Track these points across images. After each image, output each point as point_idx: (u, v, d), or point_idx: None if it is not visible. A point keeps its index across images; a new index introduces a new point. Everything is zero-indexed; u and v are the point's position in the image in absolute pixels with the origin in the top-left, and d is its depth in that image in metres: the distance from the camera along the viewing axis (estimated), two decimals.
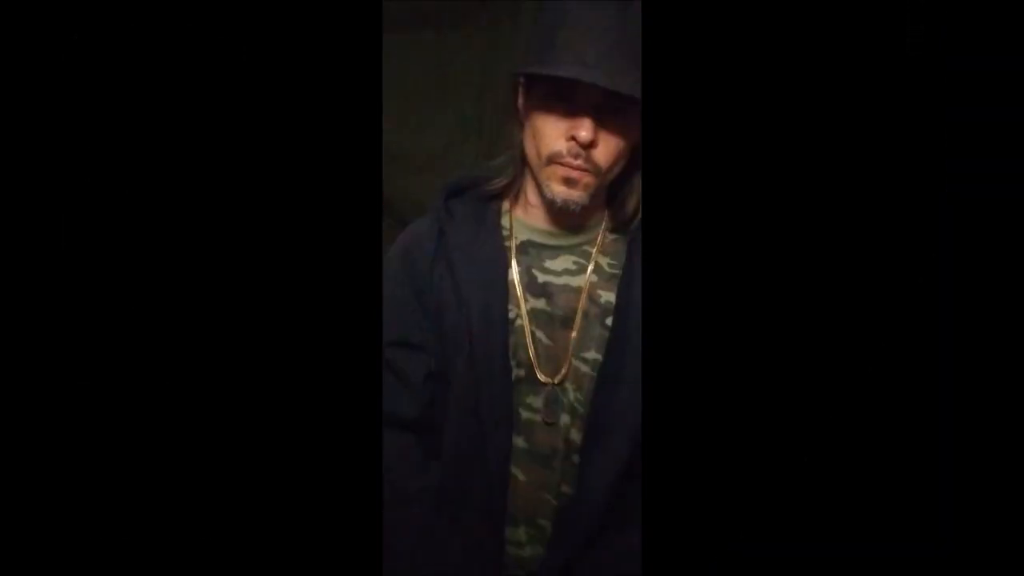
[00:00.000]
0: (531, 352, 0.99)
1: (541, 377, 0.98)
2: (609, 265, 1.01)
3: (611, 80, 0.88)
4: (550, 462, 0.98)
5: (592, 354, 0.98)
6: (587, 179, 0.95)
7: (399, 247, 1.06)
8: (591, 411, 0.97)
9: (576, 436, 0.98)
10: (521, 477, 0.99)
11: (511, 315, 0.99)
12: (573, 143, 0.93)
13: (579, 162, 0.94)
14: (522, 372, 0.98)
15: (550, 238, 1.02)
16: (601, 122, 0.93)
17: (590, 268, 1.01)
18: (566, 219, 1.01)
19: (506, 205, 1.05)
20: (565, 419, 0.98)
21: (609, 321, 0.98)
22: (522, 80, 0.98)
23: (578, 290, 1.00)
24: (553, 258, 1.01)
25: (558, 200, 0.96)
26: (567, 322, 0.99)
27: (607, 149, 0.94)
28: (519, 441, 0.98)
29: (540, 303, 0.99)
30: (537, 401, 0.98)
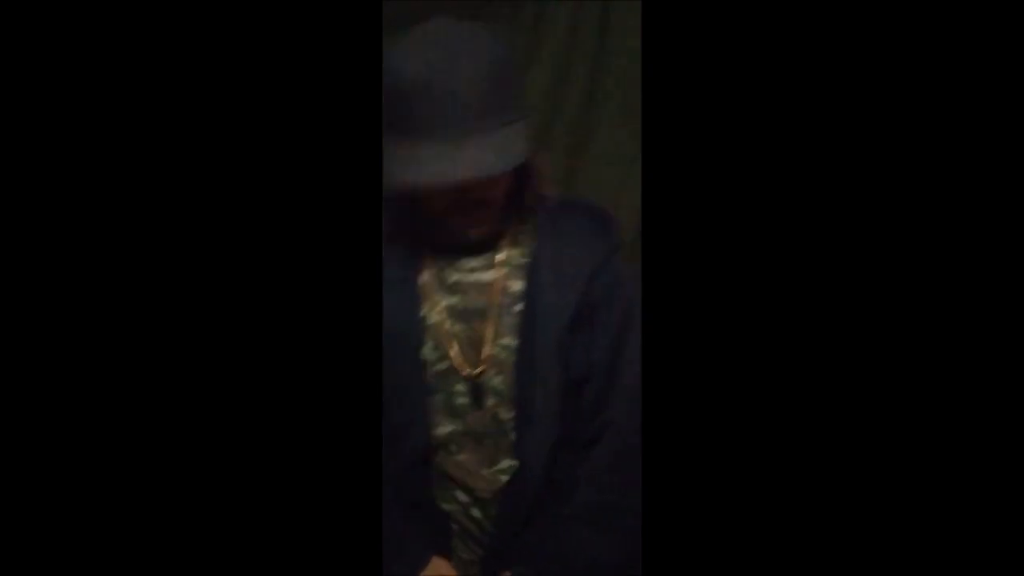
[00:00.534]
0: (452, 346, 1.02)
1: (464, 370, 1.02)
2: (521, 255, 1.04)
3: (475, 167, 0.89)
4: (483, 440, 1.03)
5: (507, 340, 1.02)
6: (485, 215, 0.98)
7: None
8: (516, 392, 1.02)
9: (506, 415, 1.02)
10: (460, 456, 1.04)
11: (422, 314, 1.02)
12: (458, 204, 0.95)
13: (471, 217, 0.97)
14: (445, 365, 1.03)
15: (456, 251, 1.04)
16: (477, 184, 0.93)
17: (498, 261, 1.04)
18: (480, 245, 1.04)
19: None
20: (492, 401, 1.03)
21: (519, 308, 1.02)
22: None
23: (489, 285, 1.03)
24: (460, 258, 1.04)
25: (468, 236, 1.00)
26: (482, 314, 1.03)
27: (494, 193, 0.96)
28: (457, 425, 1.03)
29: (455, 300, 1.03)
30: (463, 388, 1.03)
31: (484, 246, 1.03)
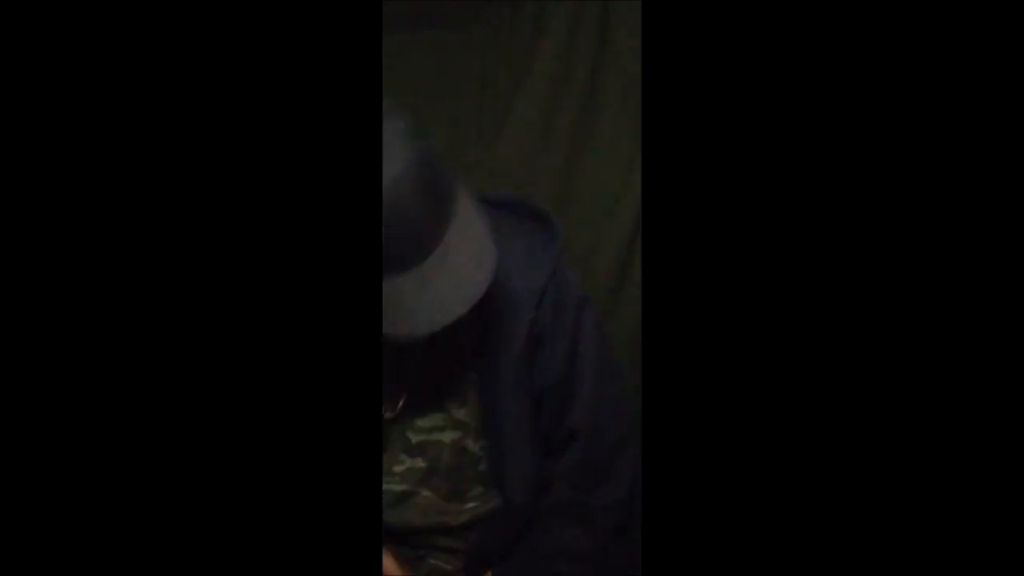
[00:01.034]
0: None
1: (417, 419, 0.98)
2: None
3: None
4: (452, 476, 1.00)
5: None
6: None
7: None
8: (483, 422, 0.99)
9: (473, 446, 1.00)
10: (426, 493, 1.01)
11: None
12: None
13: None
14: (400, 403, 0.99)
15: None
16: None
17: None
18: None
19: None
20: (454, 435, 0.99)
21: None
22: None
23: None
24: None
25: None
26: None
27: None
28: (419, 462, 1.00)
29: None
30: (424, 422, 0.99)
31: None
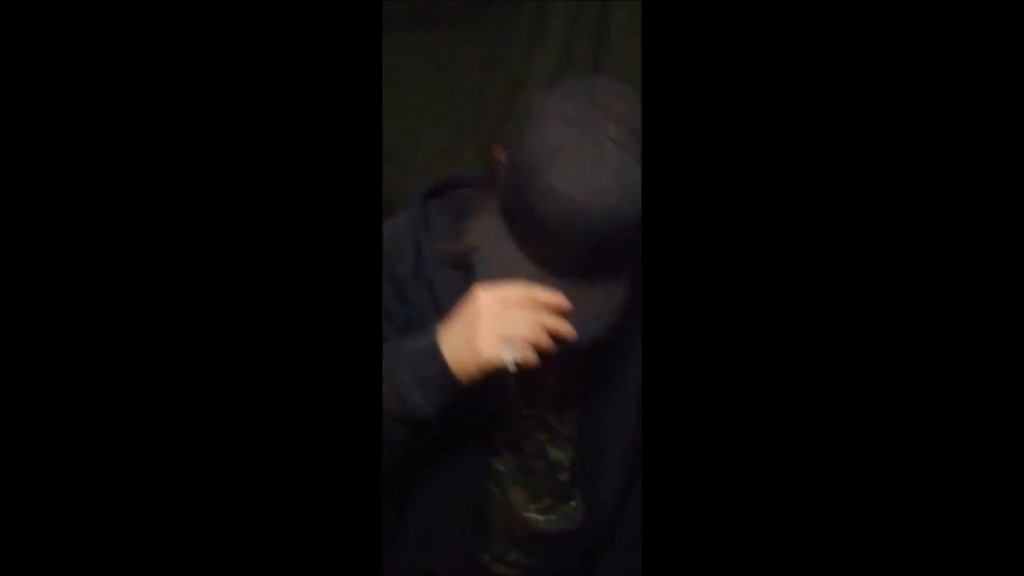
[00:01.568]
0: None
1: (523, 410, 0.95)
2: None
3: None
4: (535, 482, 0.97)
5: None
6: None
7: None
8: (577, 434, 0.95)
9: (559, 454, 0.96)
10: (501, 497, 0.97)
11: None
12: None
13: None
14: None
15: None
16: None
17: None
18: None
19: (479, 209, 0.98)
20: (543, 436, 0.96)
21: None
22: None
23: None
24: None
25: None
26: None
27: None
28: (512, 460, 0.97)
29: None
30: (520, 425, 0.96)
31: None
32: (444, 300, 0.90)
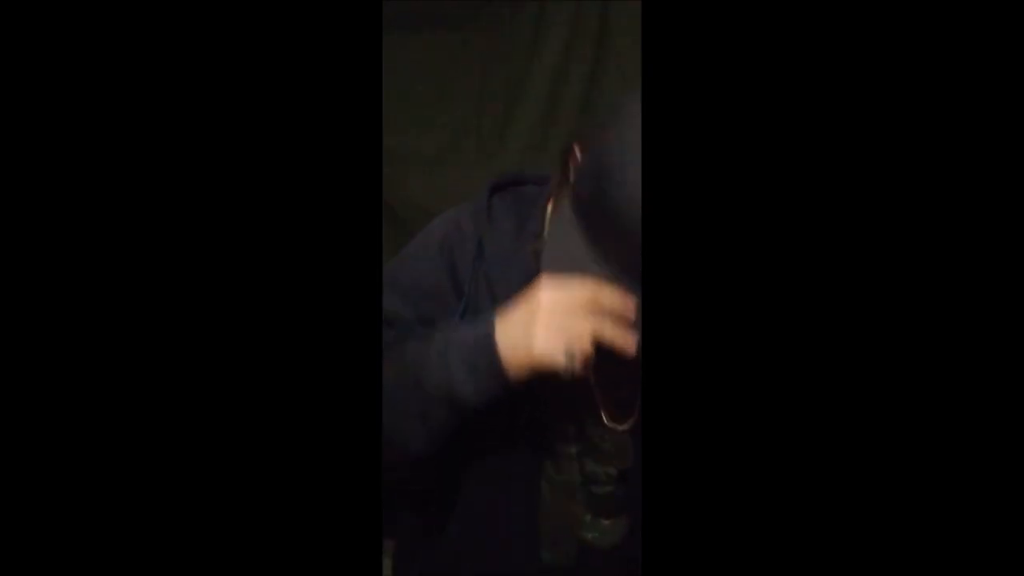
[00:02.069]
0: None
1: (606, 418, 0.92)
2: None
3: None
4: (574, 494, 0.93)
5: (626, 394, 0.93)
6: None
7: (436, 235, 0.97)
8: (623, 450, 0.92)
9: (598, 470, 0.93)
10: (552, 506, 0.94)
11: None
12: None
13: None
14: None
15: None
16: None
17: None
18: None
19: (550, 207, 0.95)
20: (572, 449, 0.93)
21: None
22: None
23: None
24: None
25: None
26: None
27: None
28: (547, 467, 0.94)
29: None
30: (572, 432, 0.93)
31: None
32: (501, 294, 0.89)
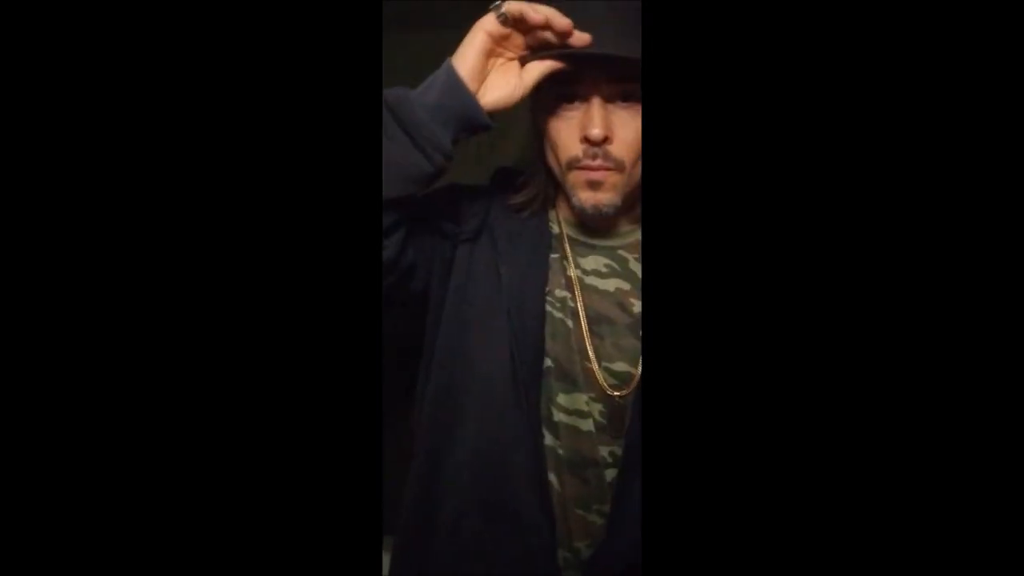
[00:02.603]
0: (559, 346, 0.94)
1: (604, 388, 0.93)
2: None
3: (620, 42, 0.84)
4: (584, 472, 0.93)
5: (621, 366, 0.94)
6: (612, 178, 0.91)
7: (447, 184, 1.01)
8: (630, 425, 0.92)
9: (605, 452, 0.93)
10: (556, 486, 0.94)
11: (546, 297, 0.95)
12: (587, 144, 0.90)
13: (598, 162, 0.90)
14: (547, 363, 0.94)
15: (586, 235, 0.99)
16: (612, 114, 0.90)
17: (621, 272, 0.97)
18: (602, 225, 0.97)
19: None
20: (588, 425, 0.94)
21: (642, 333, 0.93)
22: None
23: (604, 294, 0.96)
24: (583, 256, 0.98)
25: (587, 207, 0.92)
26: (592, 324, 0.95)
27: (624, 142, 0.90)
28: (555, 444, 0.94)
29: (566, 294, 0.96)
30: (566, 401, 0.94)
31: (600, 231, 0.97)
32: (506, 255, 0.94)
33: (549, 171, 0.97)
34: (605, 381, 0.93)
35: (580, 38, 0.86)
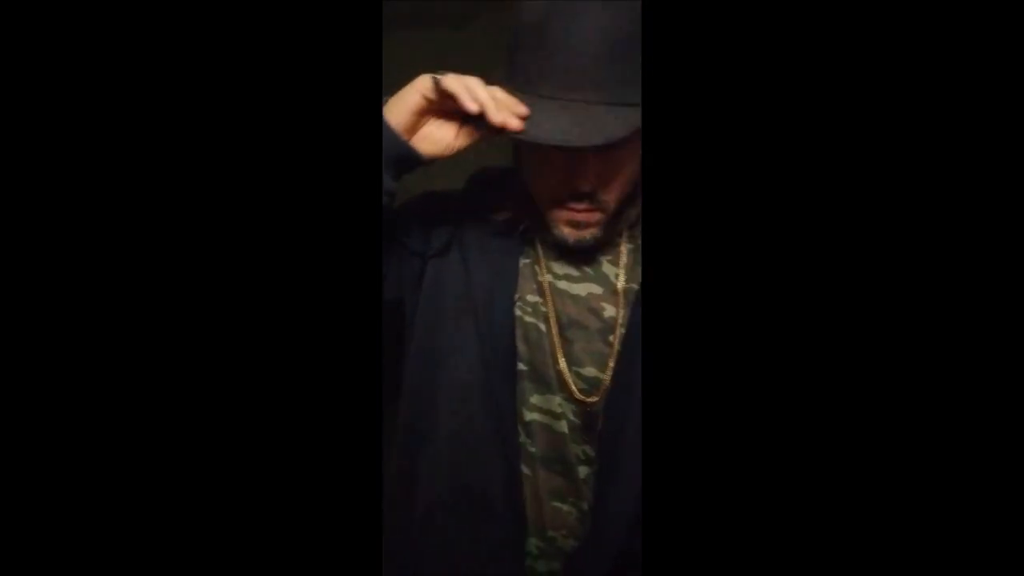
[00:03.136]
0: (531, 349, 0.94)
1: (573, 391, 0.93)
2: (617, 277, 0.95)
3: (603, 132, 0.81)
4: (557, 467, 0.94)
5: (591, 371, 0.94)
6: (596, 218, 0.91)
7: (420, 195, 1.02)
8: (603, 429, 0.92)
9: (575, 449, 0.94)
10: (531, 478, 0.94)
11: (516, 299, 0.94)
12: (575, 190, 0.88)
13: (584, 204, 0.89)
14: (521, 367, 0.94)
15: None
16: (602, 162, 0.87)
17: (593, 276, 0.96)
18: (580, 250, 0.96)
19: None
20: (562, 426, 0.94)
21: (612, 338, 0.93)
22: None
23: (576, 299, 0.95)
24: (556, 260, 0.97)
25: (569, 241, 0.92)
26: (563, 329, 0.94)
27: (612, 187, 0.89)
28: (524, 439, 0.94)
29: (538, 299, 0.95)
30: (538, 401, 0.94)
31: (579, 256, 0.95)
32: (475, 263, 0.95)
33: (529, 196, 0.95)
34: (575, 385, 0.94)
35: (516, 124, 0.83)
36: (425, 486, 0.96)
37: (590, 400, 0.93)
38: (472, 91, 0.84)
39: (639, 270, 0.95)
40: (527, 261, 0.97)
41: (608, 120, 0.82)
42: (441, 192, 1.04)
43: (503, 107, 0.83)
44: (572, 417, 0.95)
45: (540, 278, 0.96)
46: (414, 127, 0.87)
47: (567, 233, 0.91)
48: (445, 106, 0.86)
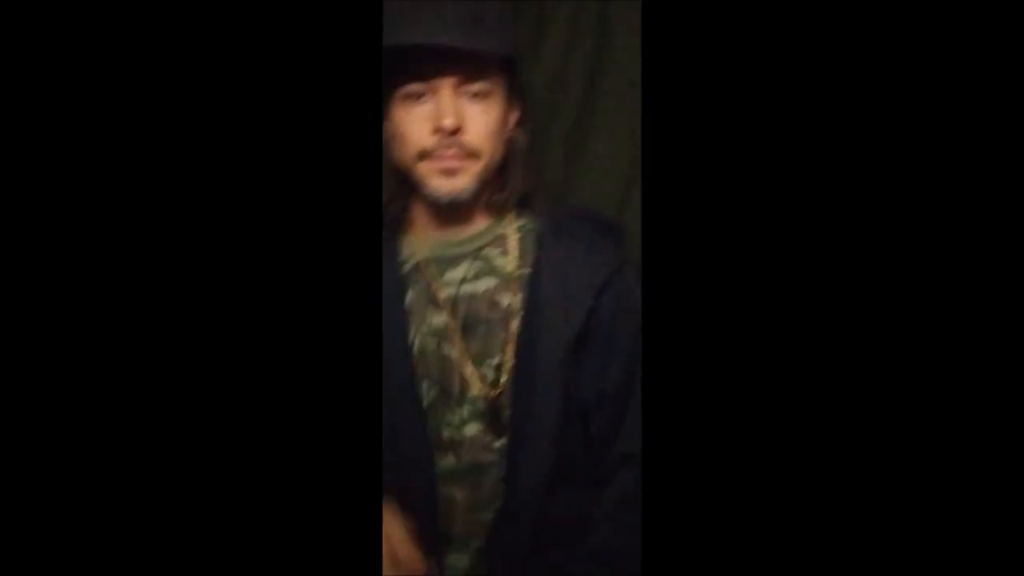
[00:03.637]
0: (440, 370, 0.95)
1: (477, 391, 0.94)
2: (508, 265, 0.97)
3: (468, 38, 0.85)
4: (477, 477, 0.95)
5: (495, 359, 0.95)
6: (467, 165, 0.91)
7: None
8: (511, 418, 0.94)
9: (497, 443, 0.95)
10: (457, 497, 0.96)
11: (412, 339, 0.95)
12: (440, 134, 0.89)
13: (453, 151, 0.90)
14: (434, 392, 0.95)
15: (447, 248, 0.98)
16: (463, 107, 0.89)
17: (488, 270, 0.97)
18: (457, 217, 0.96)
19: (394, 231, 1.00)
20: (474, 429, 0.95)
21: (514, 326, 0.95)
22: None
23: (475, 296, 0.96)
24: (453, 268, 0.97)
25: (441, 196, 0.92)
26: (469, 331, 0.95)
27: (478, 132, 0.90)
28: (450, 459, 0.95)
29: (442, 318, 0.96)
30: (454, 418, 0.95)
31: (462, 225, 0.96)
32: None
33: (397, 172, 0.95)
34: (482, 381, 0.95)
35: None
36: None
37: (495, 392, 0.95)
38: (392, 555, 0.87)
39: (528, 253, 0.97)
40: (413, 295, 0.97)
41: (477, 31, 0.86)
42: None
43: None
44: (480, 421, 0.96)
45: (440, 295, 0.96)
46: None
47: (438, 186, 0.91)
48: None
